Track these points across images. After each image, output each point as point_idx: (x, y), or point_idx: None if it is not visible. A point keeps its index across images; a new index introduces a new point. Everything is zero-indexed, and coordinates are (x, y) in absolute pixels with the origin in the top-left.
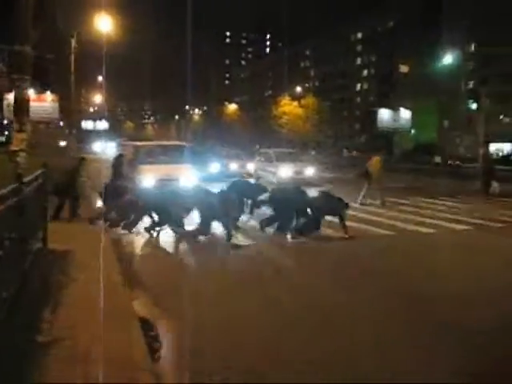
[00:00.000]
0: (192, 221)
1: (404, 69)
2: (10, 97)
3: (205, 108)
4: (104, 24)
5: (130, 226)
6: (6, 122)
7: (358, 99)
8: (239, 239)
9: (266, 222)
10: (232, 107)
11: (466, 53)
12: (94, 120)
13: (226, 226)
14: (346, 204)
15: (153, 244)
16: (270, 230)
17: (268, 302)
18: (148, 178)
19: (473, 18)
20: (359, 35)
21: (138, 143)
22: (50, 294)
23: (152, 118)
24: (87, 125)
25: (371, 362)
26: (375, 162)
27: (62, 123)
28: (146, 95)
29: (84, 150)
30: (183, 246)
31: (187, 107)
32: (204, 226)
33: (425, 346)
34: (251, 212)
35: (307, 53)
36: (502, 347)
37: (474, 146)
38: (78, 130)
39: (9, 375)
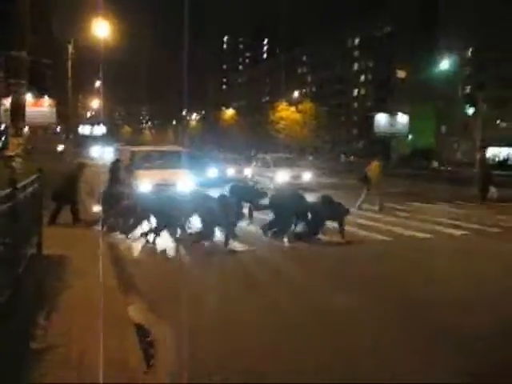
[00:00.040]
0: (193, 225)
1: (401, 74)
2: (8, 102)
3: (202, 113)
4: (101, 29)
5: (128, 231)
6: (3, 127)
7: (356, 104)
8: (237, 245)
9: (267, 227)
10: (229, 112)
11: (463, 58)
12: (92, 125)
13: (224, 231)
14: (347, 210)
15: (150, 249)
16: (268, 234)
17: (265, 308)
18: (144, 183)
19: (469, 24)
20: (356, 41)
21: (135, 148)
22: (45, 299)
23: (149, 123)
24: (84, 130)
25: (370, 366)
26: (374, 167)
27: (59, 128)
28: (143, 100)
29: (81, 154)
30: (180, 252)
31: (184, 112)
32: (207, 231)
33: (423, 351)
34: (250, 216)
35: (304, 58)
36: (500, 352)
37: (472, 151)
38: (76, 134)
39: (1, 382)
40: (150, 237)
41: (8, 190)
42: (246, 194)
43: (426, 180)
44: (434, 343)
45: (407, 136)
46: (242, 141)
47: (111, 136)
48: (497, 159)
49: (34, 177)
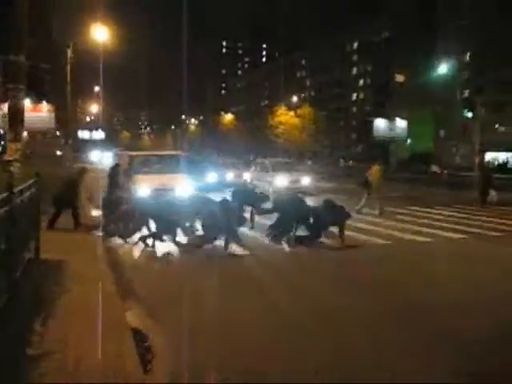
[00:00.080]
0: (196, 229)
1: (400, 78)
2: (6, 107)
3: (201, 118)
4: (100, 34)
5: (127, 235)
6: (1, 132)
7: (354, 109)
8: (237, 249)
9: (268, 231)
10: (228, 117)
11: (461, 62)
12: (91, 130)
13: (225, 235)
14: (349, 214)
15: (149, 253)
16: (267, 238)
17: (265, 312)
18: (143, 188)
19: (468, 28)
20: (355, 45)
21: (133, 153)
22: (42, 304)
23: (148, 128)
24: (83, 135)
25: (370, 367)
26: (375, 172)
27: (58, 133)
28: (142, 105)
29: (80, 159)
30: (179, 256)
31: (183, 117)
32: (209, 234)
33: (422, 354)
34: (252, 220)
35: (303, 62)
36: (498, 356)
37: (470, 155)
38: (75, 139)
39: None
40: (149, 241)
41: (4, 195)
42: (248, 198)
43: (425, 184)
44: (434, 346)
45: (406, 140)
46: (240, 145)
47: (110, 141)
48: (496, 162)
49: (31, 181)
